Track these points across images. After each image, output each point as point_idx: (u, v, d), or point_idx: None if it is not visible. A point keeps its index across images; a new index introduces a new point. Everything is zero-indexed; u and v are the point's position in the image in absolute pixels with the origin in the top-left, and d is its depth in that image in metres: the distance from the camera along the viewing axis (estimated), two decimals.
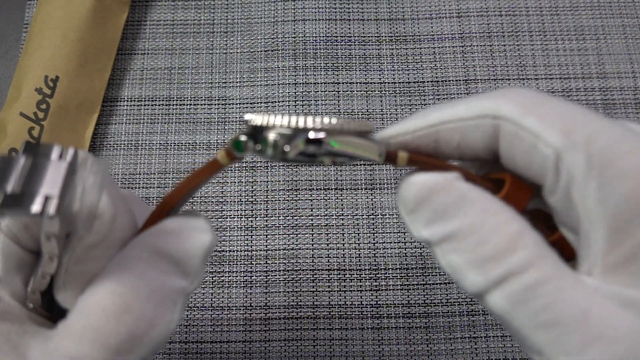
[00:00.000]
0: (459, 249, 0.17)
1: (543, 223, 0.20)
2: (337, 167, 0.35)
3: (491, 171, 0.20)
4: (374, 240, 0.33)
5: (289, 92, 0.36)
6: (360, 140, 0.18)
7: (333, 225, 0.34)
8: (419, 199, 0.18)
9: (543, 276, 0.16)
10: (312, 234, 0.34)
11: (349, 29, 0.38)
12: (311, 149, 0.17)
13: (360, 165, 0.35)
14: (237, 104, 0.36)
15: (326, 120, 0.17)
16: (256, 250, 0.34)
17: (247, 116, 0.18)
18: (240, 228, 0.34)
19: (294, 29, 0.38)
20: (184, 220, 0.19)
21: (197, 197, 0.35)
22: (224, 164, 0.19)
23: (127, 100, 0.37)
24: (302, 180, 0.35)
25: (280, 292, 0.33)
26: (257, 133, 0.18)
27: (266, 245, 0.34)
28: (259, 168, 0.35)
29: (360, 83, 0.37)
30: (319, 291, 0.33)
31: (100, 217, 0.17)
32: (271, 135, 0.18)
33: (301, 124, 0.17)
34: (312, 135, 0.17)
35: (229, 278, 0.33)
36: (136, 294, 0.17)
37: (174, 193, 0.19)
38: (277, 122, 0.18)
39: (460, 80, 0.36)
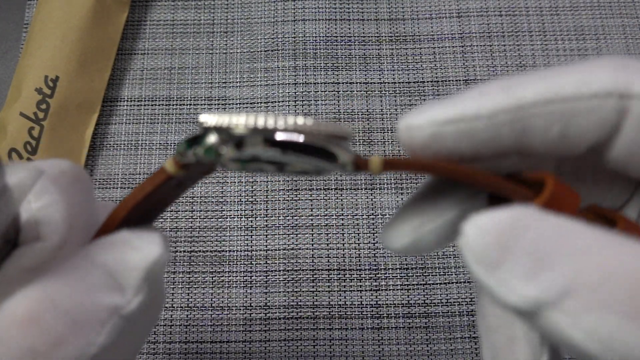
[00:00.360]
0: (598, 302, 0.11)
1: (601, 218, 0.16)
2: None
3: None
4: (374, 240, 0.33)
5: (288, 92, 0.36)
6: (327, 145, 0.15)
7: (333, 225, 0.34)
8: (504, 245, 0.12)
9: None
10: (312, 234, 0.34)
11: (349, 29, 0.38)
12: (262, 152, 0.15)
13: None
14: (237, 104, 0.37)
15: (290, 120, 0.15)
16: (256, 250, 0.34)
17: (201, 117, 0.16)
18: (240, 228, 0.34)
19: (294, 29, 0.38)
20: (132, 233, 0.17)
21: (198, 197, 0.35)
22: (171, 172, 0.17)
23: (127, 100, 0.37)
24: (302, 180, 0.35)
25: (280, 292, 0.33)
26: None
27: (266, 245, 0.34)
28: None
29: (360, 83, 0.37)
30: (319, 291, 0.33)
31: (43, 239, 0.15)
32: (211, 138, 0.15)
33: (260, 124, 0.15)
34: (267, 136, 0.15)
35: (229, 278, 0.33)
36: (51, 304, 0.14)
37: (121, 205, 0.18)
38: (233, 121, 0.15)
39: (460, 81, 0.36)
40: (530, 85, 0.14)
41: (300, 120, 0.15)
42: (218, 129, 0.15)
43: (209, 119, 0.15)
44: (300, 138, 0.15)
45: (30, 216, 0.16)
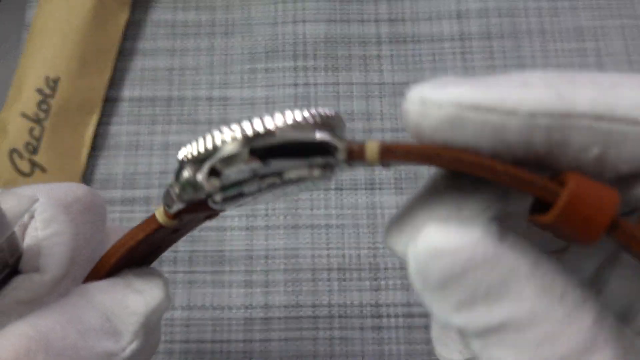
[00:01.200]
0: (511, 345, 0.12)
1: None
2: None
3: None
4: (374, 240, 0.34)
5: (289, 93, 0.37)
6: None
7: (333, 225, 0.34)
8: (448, 276, 0.12)
9: None
10: (312, 234, 0.34)
11: (349, 30, 0.38)
12: (241, 171, 0.13)
13: None
14: (237, 104, 0.37)
15: (256, 124, 0.13)
16: (256, 250, 0.34)
17: (179, 154, 0.14)
18: (240, 228, 0.34)
19: (294, 30, 0.38)
20: (135, 274, 0.16)
21: None
22: (162, 223, 0.15)
23: (128, 101, 0.37)
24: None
25: (280, 291, 0.33)
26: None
27: (266, 245, 0.34)
28: None
29: (359, 84, 0.37)
30: (319, 291, 0.33)
31: (43, 272, 0.15)
32: (185, 172, 0.14)
33: (221, 139, 0.13)
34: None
35: (229, 278, 0.33)
36: (43, 345, 0.14)
37: (111, 251, 0.17)
38: (195, 147, 0.14)
39: None
40: (582, 92, 0.12)
41: (268, 120, 0.13)
42: (192, 161, 0.14)
43: (180, 153, 0.14)
44: (272, 138, 0.13)
45: (34, 244, 0.15)
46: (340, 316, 0.32)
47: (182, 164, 0.14)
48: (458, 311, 0.12)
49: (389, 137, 0.35)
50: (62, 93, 0.34)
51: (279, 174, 0.14)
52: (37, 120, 0.34)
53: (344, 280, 0.33)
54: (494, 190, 0.14)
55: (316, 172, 0.14)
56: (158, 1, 0.39)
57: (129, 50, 0.38)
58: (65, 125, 0.35)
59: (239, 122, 0.14)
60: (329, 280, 0.33)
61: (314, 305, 0.32)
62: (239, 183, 0.14)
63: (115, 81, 0.37)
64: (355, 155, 0.13)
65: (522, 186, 0.12)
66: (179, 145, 0.36)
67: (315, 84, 0.37)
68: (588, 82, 0.12)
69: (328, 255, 0.33)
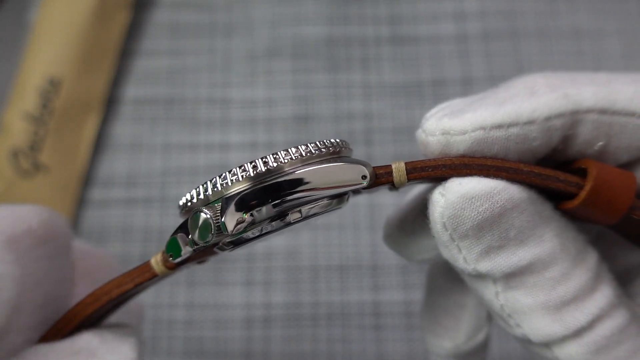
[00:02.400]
0: (530, 286, 0.13)
1: None
2: None
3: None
4: (373, 239, 0.34)
5: (288, 93, 0.37)
6: (336, 166, 0.13)
7: (333, 225, 0.34)
8: (485, 221, 0.13)
9: (626, 320, 0.13)
10: (312, 233, 0.34)
11: (348, 31, 0.38)
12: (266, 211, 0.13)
13: None
14: (237, 104, 0.37)
15: (270, 159, 0.13)
16: (257, 250, 0.34)
17: (180, 202, 0.14)
18: None
19: (294, 31, 0.38)
20: (99, 338, 0.14)
21: None
22: (159, 273, 0.14)
23: (129, 101, 0.37)
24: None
25: (280, 290, 0.33)
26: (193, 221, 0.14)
27: (267, 245, 0.34)
28: None
29: (359, 84, 0.37)
30: (319, 290, 0.33)
31: None
32: (202, 215, 0.13)
33: (238, 177, 0.13)
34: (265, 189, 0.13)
35: (230, 277, 0.33)
36: None
37: (90, 299, 0.15)
38: (201, 192, 0.13)
39: (458, 82, 0.37)
40: (585, 89, 0.13)
41: (283, 153, 0.13)
42: (203, 203, 0.13)
43: (186, 197, 0.14)
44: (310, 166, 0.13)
45: None
46: (339, 315, 0.32)
47: (191, 209, 0.14)
48: (486, 256, 0.13)
49: (388, 137, 0.36)
50: (65, 93, 0.35)
51: (299, 210, 0.14)
52: (42, 121, 0.34)
53: (344, 279, 0.33)
54: None
55: (336, 202, 0.14)
56: (159, 2, 0.39)
57: (130, 51, 0.38)
58: (68, 125, 0.35)
59: (248, 162, 0.13)
60: (328, 278, 0.33)
61: (313, 304, 0.33)
62: (261, 221, 0.13)
63: (117, 81, 0.37)
64: (382, 180, 0.14)
65: (546, 181, 0.13)
66: (179, 146, 0.36)
67: (315, 84, 0.37)
68: (587, 80, 0.13)
69: (328, 255, 0.34)
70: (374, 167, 0.14)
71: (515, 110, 0.13)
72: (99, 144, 0.36)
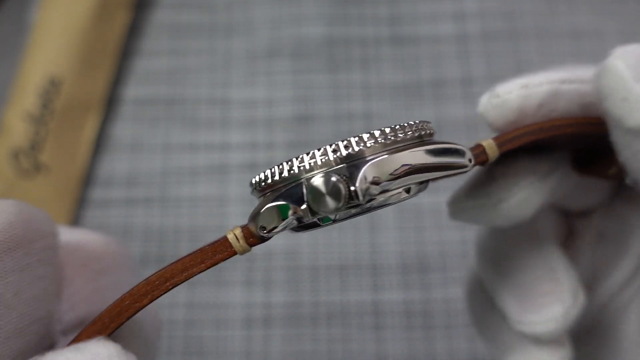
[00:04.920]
0: None
1: None
2: None
3: None
4: (373, 239, 0.34)
5: (288, 93, 0.37)
6: (446, 147, 0.14)
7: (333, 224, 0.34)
8: None
9: None
10: (312, 233, 0.34)
11: (348, 31, 0.38)
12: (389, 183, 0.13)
13: None
14: (237, 104, 0.37)
15: (389, 130, 0.13)
16: (257, 249, 0.34)
17: (257, 176, 0.13)
18: None
19: (294, 31, 0.38)
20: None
21: (199, 197, 0.35)
22: (240, 250, 0.14)
23: (129, 101, 0.37)
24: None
25: (280, 290, 0.33)
26: (289, 190, 0.13)
27: (267, 244, 0.34)
28: (259, 167, 0.35)
29: (359, 84, 0.37)
30: (319, 289, 0.33)
31: None
32: (316, 180, 0.13)
33: (354, 149, 0.13)
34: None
35: (230, 277, 0.33)
36: None
37: (144, 289, 0.13)
38: (313, 160, 0.13)
39: (457, 82, 0.37)
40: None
41: (388, 130, 0.13)
42: (297, 178, 0.13)
43: (264, 174, 0.13)
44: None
45: None
46: (340, 314, 0.33)
47: (276, 184, 0.13)
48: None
49: None
50: (66, 93, 0.35)
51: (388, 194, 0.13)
52: (42, 121, 0.34)
53: (344, 279, 0.33)
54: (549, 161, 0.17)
55: (423, 187, 0.14)
56: (159, 2, 0.39)
57: (130, 51, 0.38)
58: (68, 125, 0.35)
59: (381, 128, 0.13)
60: (328, 278, 0.33)
61: (313, 304, 0.33)
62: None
63: (117, 81, 0.37)
64: (478, 160, 0.14)
65: (601, 128, 0.15)
66: (180, 146, 0.36)
67: (315, 85, 0.37)
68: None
69: (328, 255, 0.34)
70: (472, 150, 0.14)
71: (574, 71, 0.16)
72: (99, 144, 0.36)
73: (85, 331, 0.13)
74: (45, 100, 0.34)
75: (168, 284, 0.13)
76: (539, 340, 0.18)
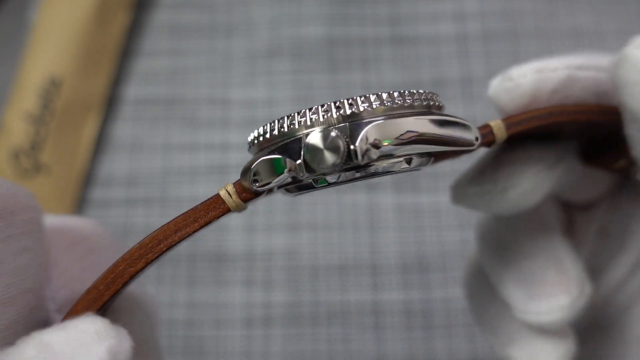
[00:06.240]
0: None
1: None
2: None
3: None
4: (373, 239, 0.34)
5: (288, 93, 0.37)
6: (450, 119, 0.13)
7: (333, 225, 0.34)
8: None
9: None
10: (312, 233, 0.34)
11: (349, 31, 0.38)
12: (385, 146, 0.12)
13: None
14: (237, 104, 0.37)
15: (386, 95, 0.12)
16: (257, 249, 0.34)
17: (256, 132, 0.13)
18: (241, 227, 0.34)
19: (294, 31, 0.38)
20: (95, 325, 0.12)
21: (199, 196, 0.35)
22: (233, 206, 0.13)
23: (129, 101, 0.37)
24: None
25: (280, 290, 0.33)
26: (286, 146, 0.13)
27: (267, 244, 0.34)
28: None
29: (359, 84, 0.37)
30: (319, 289, 0.33)
31: None
32: (314, 135, 0.12)
33: (358, 108, 0.12)
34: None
35: (230, 276, 0.33)
36: None
37: (138, 252, 0.13)
38: (313, 116, 0.12)
39: (457, 82, 0.37)
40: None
41: (394, 94, 0.12)
42: (292, 135, 0.12)
43: (263, 128, 0.12)
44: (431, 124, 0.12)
45: None
46: (340, 314, 0.33)
47: (274, 139, 0.12)
48: None
49: None
50: (66, 93, 0.35)
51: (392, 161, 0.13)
52: (43, 121, 0.34)
53: (344, 278, 0.33)
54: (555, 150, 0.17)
55: (425, 161, 0.14)
56: (159, 2, 0.39)
57: (130, 51, 0.38)
58: (69, 125, 0.35)
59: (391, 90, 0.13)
60: (328, 278, 0.33)
61: (313, 304, 0.33)
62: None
63: (117, 81, 0.37)
64: (485, 141, 0.14)
65: (614, 118, 0.15)
66: (180, 146, 0.36)
67: (315, 85, 0.37)
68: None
69: (328, 254, 0.34)
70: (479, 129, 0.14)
71: (592, 58, 0.16)
72: (100, 144, 0.36)
73: (80, 301, 0.12)
74: (45, 100, 0.34)
75: (162, 245, 0.13)
76: (543, 331, 0.18)
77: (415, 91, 0.13)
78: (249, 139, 0.14)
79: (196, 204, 0.13)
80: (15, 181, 0.34)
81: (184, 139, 0.36)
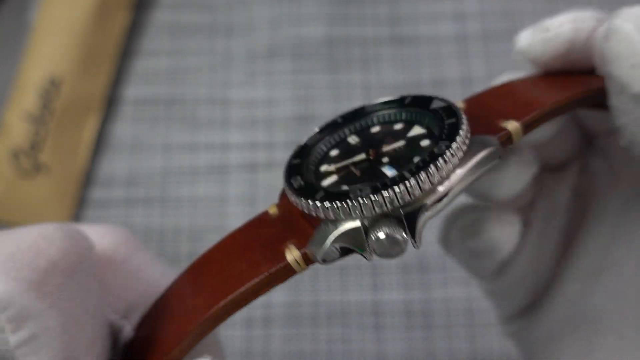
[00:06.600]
0: None
1: None
2: None
3: None
4: None
5: (288, 93, 0.37)
6: (476, 159, 0.14)
7: None
8: None
9: None
10: None
11: (349, 31, 0.38)
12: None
13: None
14: (237, 104, 0.37)
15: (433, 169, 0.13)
16: None
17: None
18: None
19: (294, 31, 0.38)
20: None
21: (199, 197, 0.35)
22: (299, 270, 0.14)
23: (129, 101, 0.37)
24: None
25: (280, 289, 0.33)
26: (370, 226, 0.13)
27: None
28: (259, 167, 0.35)
29: (359, 85, 0.37)
30: (319, 289, 0.33)
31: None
32: (380, 235, 0.13)
33: (414, 194, 0.13)
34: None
35: None
36: None
37: (203, 317, 0.14)
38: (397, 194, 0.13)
39: (457, 82, 0.37)
40: None
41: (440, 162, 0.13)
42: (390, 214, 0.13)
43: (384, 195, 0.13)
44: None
45: (6, 357, 0.11)
46: (340, 314, 0.33)
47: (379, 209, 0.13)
48: None
49: None
50: (66, 93, 0.35)
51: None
52: (42, 121, 0.34)
53: (344, 278, 0.33)
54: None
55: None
56: (159, 2, 0.39)
57: (130, 51, 0.38)
58: (68, 125, 0.35)
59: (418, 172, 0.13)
60: (328, 278, 0.33)
61: (313, 304, 0.33)
62: None
63: (117, 81, 0.37)
64: (505, 149, 0.14)
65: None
66: (180, 146, 0.36)
67: (315, 85, 0.37)
68: None
69: None
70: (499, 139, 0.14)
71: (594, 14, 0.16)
72: (99, 144, 0.36)
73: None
74: (45, 100, 0.34)
75: (234, 308, 0.14)
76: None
77: (444, 160, 0.13)
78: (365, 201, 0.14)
79: (259, 266, 0.14)
80: (15, 181, 0.34)
81: (183, 139, 0.36)
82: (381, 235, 0.13)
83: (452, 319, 0.32)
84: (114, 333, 0.15)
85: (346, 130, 0.16)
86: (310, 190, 0.14)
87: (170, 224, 0.35)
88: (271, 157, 0.36)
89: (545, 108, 0.15)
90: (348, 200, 0.13)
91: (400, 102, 0.16)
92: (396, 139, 0.15)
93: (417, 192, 0.13)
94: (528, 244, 0.20)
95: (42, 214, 0.34)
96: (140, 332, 0.15)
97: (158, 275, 0.16)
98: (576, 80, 0.16)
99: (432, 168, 0.13)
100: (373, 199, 0.13)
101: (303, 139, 0.16)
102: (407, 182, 0.13)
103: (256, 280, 0.14)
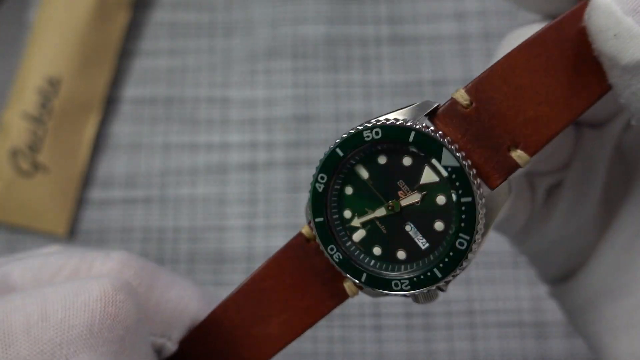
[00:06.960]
0: None
1: None
2: None
3: None
4: None
5: (288, 93, 0.37)
6: (492, 212, 0.15)
7: None
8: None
9: None
10: None
11: (348, 30, 0.38)
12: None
13: None
14: (237, 104, 0.37)
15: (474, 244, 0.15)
16: (256, 250, 0.34)
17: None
18: (241, 228, 0.34)
19: (294, 31, 0.38)
20: None
21: (199, 197, 0.35)
22: (350, 296, 0.17)
23: (129, 101, 0.37)
24: (302, 181, 0.35)
25: None
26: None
27: (266, 245, 0.34)
28: (259, 167, 0.35)
29: (359, 84, 0.37)
30: None
31: None
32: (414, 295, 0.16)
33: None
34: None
35: (230, 277, 0.33)
36: None
37: (282, 342, 0.17)
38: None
39: (458, 81, 0.37)
40: None
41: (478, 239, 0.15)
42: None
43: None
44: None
45: None
46: (340, 315, 0.32)
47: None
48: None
49: None
50: (64, 93, 0.35)
51: None
52: (41, 121, 0.34)
53: None
54: None
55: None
56: (159, 2, 0.39)
57: (130, 51, 0.38)
58: (67, 125, 0.35)
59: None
60: None
61: None
62: None
63: (116, 81, 0.37)
64: (512, 172, 0.15)
65: None
66: (179, 146, 0.36)
67: (315, 84, 0.37)
68: None
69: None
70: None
71: None
72: (99, 144, 0.36)
73: None
74: (44, 100, 0.34)
75: (301, 329, 0.17)
76: None
77: (467, 259, 0.15)
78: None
79: (325, 301, 0.17)
80: (14, 181, 0.34)
81: (183, 139, 0.36)
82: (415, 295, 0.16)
83: (452, 320, 0.32)
84: (156, 351, 0.17)
85: (352, 161, 0.16)
86: (350, 267, 0.16)
87: (170, 224, 0.34)
88: (271, 157, 0.35)
89: (553, 131, 0.15)
90: (388, 290, 0.16)
91: (400, 131, 0.16)
92: (410, 185, 0.16)
93: (444, 287, 0.16)
94: (559, 207, 0.19)
95: (40, 214, 0.34)
96: (194, 349, 0.17)
97: (181, 291, 0.18)
98: (586, 80, 0.16)
99: (457, 271, 0.15)
100: (409, 293, 0.16)
101: (312, 185, 0.17)
102: (437, 284, 0.15)
103: (324, 314, 0.17)
